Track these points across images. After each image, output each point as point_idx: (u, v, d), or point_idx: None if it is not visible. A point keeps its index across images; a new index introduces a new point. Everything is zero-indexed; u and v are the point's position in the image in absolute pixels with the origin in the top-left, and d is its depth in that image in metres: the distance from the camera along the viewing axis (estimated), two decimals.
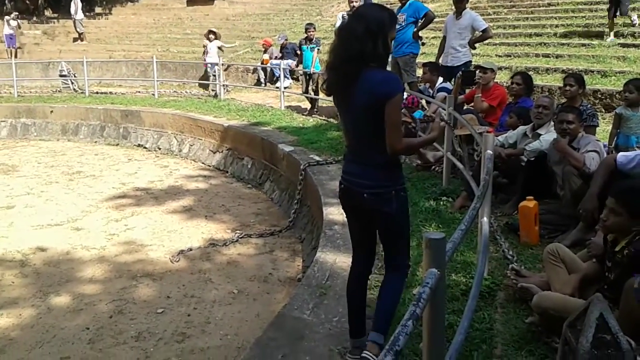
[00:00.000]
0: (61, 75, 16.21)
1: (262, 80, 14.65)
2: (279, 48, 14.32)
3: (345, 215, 3.12)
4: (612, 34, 10.83)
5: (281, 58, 13.77)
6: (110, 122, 13.05)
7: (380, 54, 2.74)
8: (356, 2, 8.89)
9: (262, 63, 14.59)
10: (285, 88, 12.77)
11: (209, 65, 14.96)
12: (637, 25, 10.62)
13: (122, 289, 5.58)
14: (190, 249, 6.45)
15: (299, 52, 12.29)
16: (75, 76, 16.22)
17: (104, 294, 5.50)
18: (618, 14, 10.97)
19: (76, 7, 19.73)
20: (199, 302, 5.25)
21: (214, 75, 14.74)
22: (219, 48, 15.20)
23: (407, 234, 2.97)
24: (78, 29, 20.13)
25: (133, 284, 5.68)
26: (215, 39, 15.15)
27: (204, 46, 15.25)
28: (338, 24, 9.30)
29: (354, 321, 3.05)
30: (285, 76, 13.04)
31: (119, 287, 5.61)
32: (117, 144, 12.59)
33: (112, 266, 6.12)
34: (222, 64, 13.92)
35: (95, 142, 12.94)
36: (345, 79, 2.76)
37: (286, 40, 14.14)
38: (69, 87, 16.10)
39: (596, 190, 3.89)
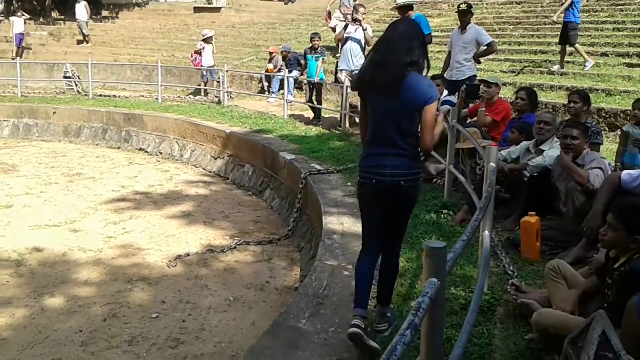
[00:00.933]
0: (65, 77, 16.21)
1: (267, 88, 14.63)
2: (282, 58, 14.26)
3: (363, 209, 3.38)
4: (560, 63, 10.82)
5: (286, 67, 13.76)
6: (113, 125, 13.02)
7: (424, 62, 3.23)
8: (349, 12, 8.99)
9: (266, 72, 14.59)
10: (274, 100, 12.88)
11: (205, 69, 14.89)
12: (588, 68, 10.42)
13: (117, 292, 5.52)
14: (188, 255, 6.40)
15: (303, 62, 12.30)
16: (79, 78, 16.22)
17: (98, 296, 5.44)
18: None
19: (85, 10, 19.70)
20: (194, 309, 5.19)
21: (207, 81, 14.88)
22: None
23: None
24: (84, 31, 20.09)
25: (128, 287, 5.63)
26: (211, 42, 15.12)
27: (200, 49, 15.00)
28: (338, 30, 9.41)
29: (361, 296, 3.29)
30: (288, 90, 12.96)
31: (114, 291, 5.55)
32: (119, 147, 12.57)
33: (108, 269, 6.07)
34: (227, 71, 13.87)
35: (97, 144, 12.92)
36: (392, 80, 3.10)
37: (289, 51, 14.03)
38: (73, 89, 16.10)
39: (600, 208, 3.84)
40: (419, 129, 3.19)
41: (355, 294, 3.32)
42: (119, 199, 8.62)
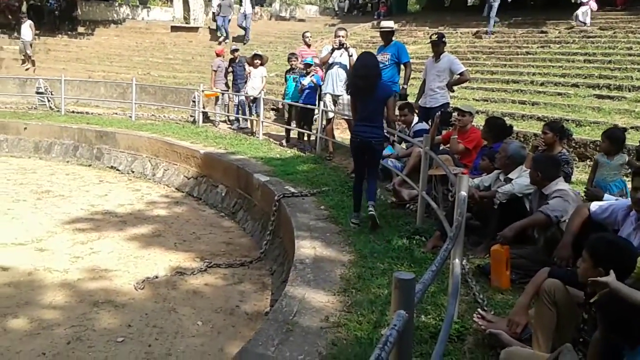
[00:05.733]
0: (38, 93, 15.99)
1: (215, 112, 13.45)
2: (228, 61, 13.05)
3: (353, 154, 6.11)
4: None
5: (229, 74, 12.89)
6: (84, 142, 12.84)
7: (381, 73, 6.05)
8: (343, 37, 9.06)
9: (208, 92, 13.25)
10: (241, 129, 12.57)
11: (251, 98, 12.29)
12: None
13: (82, 314, 5.39)
14: (156, 277, 6.29)
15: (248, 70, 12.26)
16: (52, 94, 16.01)
17: (63, 318, 5.31)
18: None
19: (29, 30, 18.56)
20: (160, 333, 5.09)
21: (254, 111, 12.43)
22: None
23: None
24: (28, 52, 18.70)
25: (94, 310, 5.50)
26: (261, 64, 12.33)
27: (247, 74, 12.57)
28: (324, 53, 9.47)
29: (357, 203, 6.00)
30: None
31: (79, 313, 5.42)
32: (90, 165, 12.38)
33: (74, 290, 5.93)
34: (203, 91, 13.65)
35: (68, 161, 12.71)
36: (372, 85, 5.74)
37: (237, 52, 12.94)
38: (45, 104, 15.88)
39: (570, 238, 3.88)
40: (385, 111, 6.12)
41: (354, 204, 6.03)
42: (87, 217, 8.46)
